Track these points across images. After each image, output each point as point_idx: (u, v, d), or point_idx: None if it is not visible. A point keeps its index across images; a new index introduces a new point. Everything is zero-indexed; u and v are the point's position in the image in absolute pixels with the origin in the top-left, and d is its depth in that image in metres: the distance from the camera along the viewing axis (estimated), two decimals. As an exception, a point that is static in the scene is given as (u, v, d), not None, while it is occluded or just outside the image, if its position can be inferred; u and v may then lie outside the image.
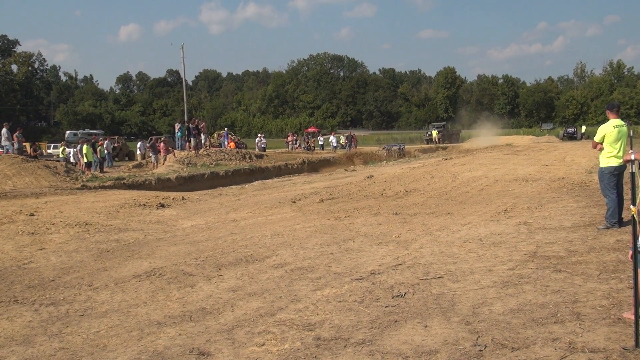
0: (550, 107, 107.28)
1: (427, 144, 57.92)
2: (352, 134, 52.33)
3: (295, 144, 50.36)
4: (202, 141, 34.83)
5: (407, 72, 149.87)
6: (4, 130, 25.68)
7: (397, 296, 5.11)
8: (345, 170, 27.90)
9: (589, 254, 6.23)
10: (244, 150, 38.90)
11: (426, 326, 4.35)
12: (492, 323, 4.32)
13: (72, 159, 30.03)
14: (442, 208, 10.62)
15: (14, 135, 26.13)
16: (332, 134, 52.82)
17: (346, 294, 5.30)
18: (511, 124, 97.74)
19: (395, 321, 4.50)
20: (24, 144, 28.50)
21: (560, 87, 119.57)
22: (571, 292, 4.96)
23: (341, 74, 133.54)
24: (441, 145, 53.99)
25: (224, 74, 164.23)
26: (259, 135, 50.03)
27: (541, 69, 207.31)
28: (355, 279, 5.78)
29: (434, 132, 58.64)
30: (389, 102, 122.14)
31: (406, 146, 52.21)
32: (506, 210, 9.68)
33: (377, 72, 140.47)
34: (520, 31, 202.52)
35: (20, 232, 9.98)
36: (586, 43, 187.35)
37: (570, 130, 61.15)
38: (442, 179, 15.73)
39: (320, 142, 50.92)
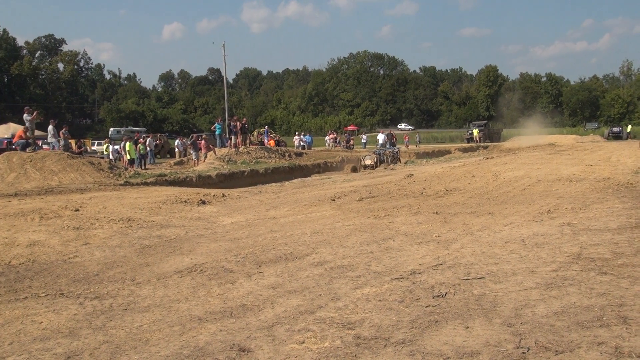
0: (594, 106, 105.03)
1: (468, 142, 57.35)
2: (392, 132, 52.04)
3: (336, 142, 50.29)
4: (242, 139, 35.03)
5: (448, 70, 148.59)
6: (50, 127, 26.18)
7: (438, 296, 5.07)
8: (385, 168, 27.78)
9: (635, 257, 6.08)
10: (283, 148, 39.10)
11: (467, 327, 4.30)
12: (535, 325, 4.25)
13: (110, 156, 30.52)
14: (483, 208, 10.49)
15: (60, 132, 26.68)
16: (381, 131, 52.44)
17: (386, 293, 5.28)
18: (554, 123, 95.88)
19: (436, 321, 4.46)
20: (69, 140, 29.09)
21: (606, 86, 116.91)
22: (617, 295, 4.84)
23: (381, 72, 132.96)
24: (482, 144, 53.39)
25: (264, 72, 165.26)
26: (297, 134, 50.00)
27: (586, 67, 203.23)
28: (395, 278, 5.75)
29: (475, 131, 58.07)
30: (429, 100, 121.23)
31: (419, 144, 51.64)
32: (549, 210, 9.51)
33: (418, 71, 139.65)
34: (565, 29, 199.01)
35: (66, 227, 10.19)
36: (633, 40, 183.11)
37: (615, 129, 59.83)
38: (483, 178, 15.54)
39: (363, 141, 50.61)
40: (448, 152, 45.33)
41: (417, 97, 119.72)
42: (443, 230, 8.27)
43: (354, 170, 28.94)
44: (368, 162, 31.21)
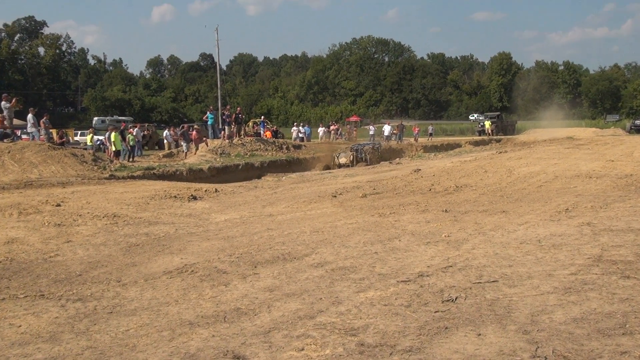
0: (616, 97, 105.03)
1: (480, 135, 57.35)
2: (402, 123, 51.96)
3: (337, 133, 50.22)
4: (236, 130, 35.00)
5: (458, 58, 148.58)
6: (29, 116, 26.13)
7: (448, 301, 5.06)
8: (390, 162, 27.78)
9: (661, 259, 6.07)
10: (280, 140, 39.09)
11: (479, 334, 4.29)
12: (552, 333, 4.24)
13: (92, 148, 30.52)
14: (496, 206, 10.48)
15: (41, 121, 26.67)
16: (387, 123, 52.37)
17: (392, 297, 5.27)
18: (572, 114, 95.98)
19: (446, 328, 4.45)
20: (50, 130, 29.07)
21: (628, 75, 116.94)
22: (641, 300, 4.83)
23: (386, 59, 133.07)
24: (495, 137, 53.38)
25: (261, 59, 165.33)
26: (295, 125, 49.89)
27: (607, 55, 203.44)
28: (401, 281, 5.74)
29: (487, 123, 58.08)
30: (437, 89, 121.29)
31: (430, 137, 51.26)
32: (567, 209, 9.50)
33: (425, 58, 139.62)
34: (585, 13, 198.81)
35: (47, 224, 10.18)
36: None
37: (638, 122, 59.70)
38: (496, 174, 15.53)
39: (370, 132, 50.57)
40: (458, 145, 45.31)
41: (424, 86, 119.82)
42: (453, 230, 8.26)
43: (327, 169, 27.59)
44: (342, 160, 29.47)
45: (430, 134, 56.81)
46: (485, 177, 15.11)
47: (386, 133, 47.24)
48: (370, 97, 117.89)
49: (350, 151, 30.02)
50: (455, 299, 5.08)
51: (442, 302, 5.05)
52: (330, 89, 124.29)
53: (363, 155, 29.70)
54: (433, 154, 35.57)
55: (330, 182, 17.72)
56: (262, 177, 23.62)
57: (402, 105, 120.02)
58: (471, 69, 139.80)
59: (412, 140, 49.92)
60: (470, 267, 6.14)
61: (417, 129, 53.89)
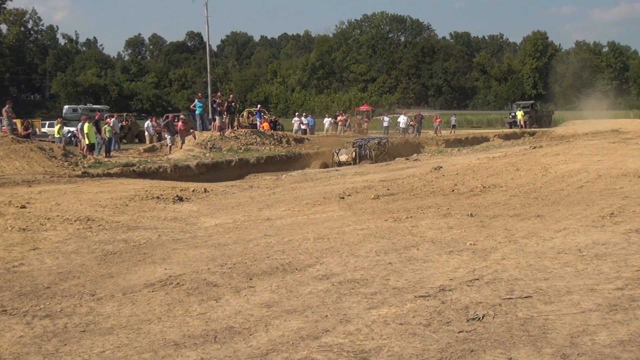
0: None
1: (511, 127, 57.29)
2: (420, 113, 51.88)
3: (346, 125, 50.15)
4: (229, 120, 34.99)
5: (486, 38, 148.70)
6: (-10, 104, 26.16)
7: (474, 319, 5.05)
8: (407, 159, 27.78)
9: None
10: (280, 133, 39.09)
11: (510, 358, 4.29)
12: (595, 357, 4.23)
13: (62, 141, 30.59)
14: (529, 209, 10.47)
15: (3, 110, 26.74)
16: (403, 113, 52.31)
17: (408, 314, 5.26)
18: (618, 104, 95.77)
19: (471, 351, 4.45)
20: (14, 120, 29.09)
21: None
22: (698, 320, 4.82)
23: (402, 39, 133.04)
24: (528, 129, 53.31)
25: (257, 38, 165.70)
26: (297, 115, 49.82)
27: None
28: (419, 296, 5.74)
29: (519, 114, 57.91)
30: (462, 74, 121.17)
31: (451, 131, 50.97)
32: (613, 213, 9.48)
33: (448, 38, 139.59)
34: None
35: (10, 228, 10.20)
36: None
37: (696, 113, 59.52)
38: (529, 172, 15.51)
39: (384, 124, 50.49)
40: (486, 139, 45.25)
41: (446, 70, 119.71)
42: (479, 237, 8.25)
43: (325, 167, 27.41)
44: (343, 157, 28.99)
45: (453, 126, 56.61)
46: (517, 176, 15.09)
47: (402, 125, 47.11)
48: (384, 83, 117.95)
49: (352, 147, 29.72)
50: (482, 318, 5.07)
51: (467, 320, 5.04)
52: (337, 73, 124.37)
53: (367, 151, 29.41)
54: (456, 149, 35.52)
55: (337, 182, 17.72)
56: (246, 177, 23.49)
57: (421, 92, 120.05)
58: (501, 51, 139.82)
59: (432, 133, 49.86)
60: (499, 281, 6.13)
61: (438, 120, 53.75)
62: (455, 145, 39.81)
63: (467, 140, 44.39)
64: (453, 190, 13.40)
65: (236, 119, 38.39)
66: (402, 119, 47.80)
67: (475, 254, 7.34)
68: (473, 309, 5.29)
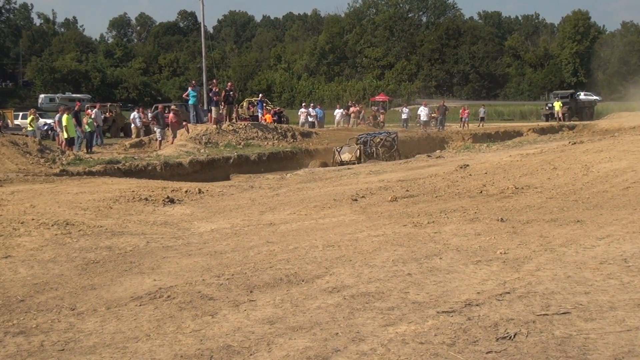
0: None
1: (547, 120, 57.22)
2: (444, 104, 51.74)
3: (359, 117, 50.08)
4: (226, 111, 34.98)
5: (519, 18, 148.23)
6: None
7: (504, 338, 5.05)
8: (428, 156, 27.76)
9: None
10: (285, 126, 39.06)
11: (546, 382, 4.30)
12: (642, 381, 4.24)
13: (38, 134, 30.69)
14: (568, 214, 10.46)
15: (-29, 99, 26.82)
16: (424, 104, 52.22)
17: (430, 332, 5.27)
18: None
19: (501, 374, 4.46)
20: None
21: None
22: None
23: (424, 19, 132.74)
24: (567, 122, 53.18)
25: (258, 18, 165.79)
26: (304, 105, 49.74)
27: None
28: (443, 312, 5.74)
29: (557, 105, 57.73)
30: (491, 60, 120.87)
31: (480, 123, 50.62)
32: (663, 218, 9.48)
33: (476, 18, 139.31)
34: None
35: (-22, 233, 10.25)
36: None
37: None
38: (568, 171, 15.48)
39: (403, 116, 50.38)
40: (519, 133, 45.17)
41: (474, 55, 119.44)
42: (511, 245, 8.25)
43: (324, 166, 26.94)
44: (346, 156, 28.69)
45: (482, 119, 56.45)
46: (554, 175, 15.07)
47: (423, 117, 47.02)
48: (403, 69, 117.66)
49: (356, 144, 29.37)
50: (514, 336, 5.08)
51: (497, 339, 5.05)
52: (349, 58, 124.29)
53: (373, 149, 29.20)
54: (485, 144, 35.48)
55: (349, 182, 17.73)
56: (232, 176, 23.36)
57: (445, 80, 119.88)
58: (536, 33, 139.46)
59: (457, 126, 49.76)
60: (533, 294, 6.13)
61: (466, 111, 53.57)
62: (484, 141, 39.77)
63: (497, 135, 44.34)
64: (481, 192, 13.39)
65: (235, 110, 38.36)
66: (423, 111, 47.69)
67: (506, 264, 7.34)
68: (503, 327, 5.30)
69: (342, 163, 27.70)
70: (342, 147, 29.69)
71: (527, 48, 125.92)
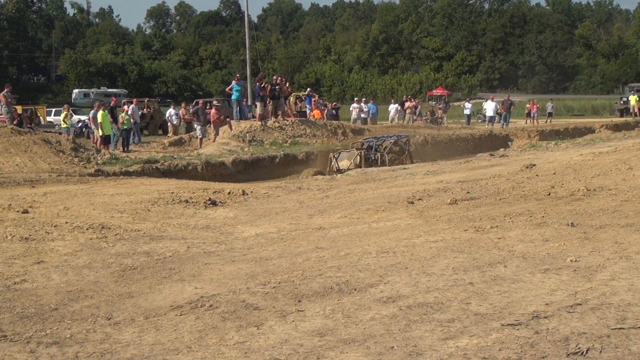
0: None
1: (622, 116, 56.57)
2: (509, 98, 51.34)
3: (416, 113, 49.91)
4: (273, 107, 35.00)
5: (591, 4, 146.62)
6: (-15, 87, 26.45)
7: (576, 353, 5.00)
8: (491, 155, 27.57)
9: None
10: (335, 123, 38.99)
11: (621, 403, 4.25)
12: None
13: (72, 132, 31.02)
14: (646, 218, 10.32)
15: (1, 94, 27.07)
16: (491, 98, 51.87)
17: (494, 347, 5.24)
18: None
19: (573, 393, 4.42)
20: (14, 107, 29.51)
21: None
22: None
23: (486, 6, 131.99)
24: (644, 118, 52.50)
25: (306, 6, 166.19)
26: (355, 100, 49.64)
27: None
28: (508, 325, 5.70)
29: (633, 99, 56.98)
30: (560, 50, 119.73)
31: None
32: None
33: (543, 4, 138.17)
34: None
35: (10, 237, 10.39)
36: None
37: None
38: (646, 171, 15.29)
39: (466, 111, 50.10)
40: (590, 130, 44.69)
41: (541, 44, 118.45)
42: (583, 252, 8.17)
43: (320, 175, 25.60)
44: (344, 163, 27.32)
45: (550, 114, 55.86)
46: (630, 176, 14.88)
47: (489, 112, 46.69)
48: (463, 60, 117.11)
49: (358, 150, 27.95)
50: (587, 352, 5.03)
51: (567, 355, 5.00)
52: (405, 49, 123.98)
53: (379, 154, 27.82)
54: (553, 142, 35.11)
55: (404, 183, 17.68)
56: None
57: (509, 72, 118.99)
58: (610, 21, 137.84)
59: (523, 122, 49.36)
60: (608, 306, 6.06)
61: (535, 106, 53.03)
62: (552, 138, 39.37)
63: (566, 132, 43.90)
64: (549, 194, 13.27)
65: (287, 105, 37.96)
66: (489, 105, 47.35)
67: (578, 272, 7.27)
68: (575, 341, 5.25)
69: (339, 171, 26.37)
70: (339, 153, 28.44)
71: (599, 37, 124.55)
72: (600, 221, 10.22)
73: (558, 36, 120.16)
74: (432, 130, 41.49)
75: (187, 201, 14.28)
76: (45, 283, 8.07)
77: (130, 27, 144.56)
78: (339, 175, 24.02)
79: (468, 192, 14.14)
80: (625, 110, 57.42)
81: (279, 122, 33.96)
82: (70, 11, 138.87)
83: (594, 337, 5.31)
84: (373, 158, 27.46)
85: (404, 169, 23.33)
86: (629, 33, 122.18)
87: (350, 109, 48.50)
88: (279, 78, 37.67)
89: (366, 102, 49.34)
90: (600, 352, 5.02)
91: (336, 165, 27.04)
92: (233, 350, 5.50)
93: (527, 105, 54.89)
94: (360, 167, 26.13)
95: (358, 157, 27.04)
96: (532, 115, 51.63)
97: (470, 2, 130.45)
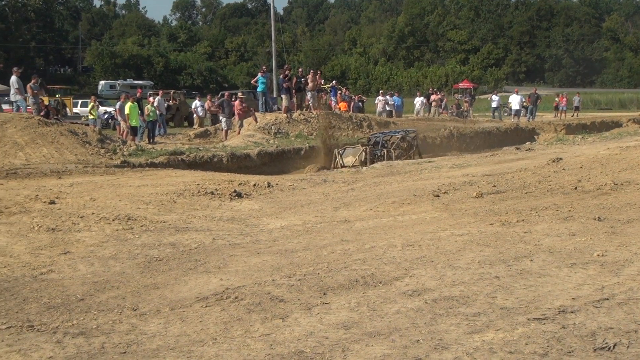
0: None
1: (649, 110, 56.11)
2: (536, 91, 51.04)
3: (441, 106, 49.73)
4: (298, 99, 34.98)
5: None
6: (13, 78, 26.70)
7: (602, 349, 4.97)
8: (517, 148, 27.45)
9: None
10: (360, 115, 38.91)
11: (649, 398, 4.22)
12: None
13: (98, 123, 31.15)
14: (674, 212, 10.25)
15: (28, 85, 27.10)
16: (516, 91, 51.63)
17: (520, 341, 5.21)
18: None
19: (600, 388, 4.39)
20: (41, 98, 29.57)
21: None
22: None
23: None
24: (672, 113, 52.15)
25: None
26: (381, 93, 49.50)
27: None
28: (534, 319, 5.67)
29: (661, 93, 56.69)
30: (587, 43, 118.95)
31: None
32: None
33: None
34: None
35: (36, 228, 10.45)
36: None
37: None
38: (674, 166, 15.19)
39: (493, 105, 49.97)
40: (617, 124, 44.41)
41: (568, 38, 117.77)
42: (610, 247, 8.11)
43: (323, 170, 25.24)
44: (348, 159, 26.87)
45: (577, 108, 55.50)
46: (658, 170, 14.79)
47: (515, 106, 46.49)
48: (489, 53, 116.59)
49: (363, 146, 27.33)
50: (614, 347, 4.99)
51: (594, 350, 4.97)
52: (431, 42, 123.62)
53: (385, 150, 27.16)
54: (580, 136, 34.92)
55: (430, 176, 17.63)
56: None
57: (535, 65, 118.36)
58: (637, 14, 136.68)
59: (551, 116, 49.12)
60: (635, 301, 6.02)
61: (564, 99, 52.69)
62: (579, 132, 39.23)
63: (593, 126, 43.69)
64: (576, 188, 13.20)
65: (318, 98, 37.69)
66: (515, 99, 47.14)
67: (605, 267, 7.22)
68: (602, 336, 5.21)
69: (343, 166, 25.95)
70: (344, 149, 27.86)
71: (627, 30, 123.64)
72: (628, 215, 10.16)
73: (585, 29, 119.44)
74: (457, 123, 41.39)
75: (212, 193, 14.31)
76: (71, 274, 8.12)
77: (156, 19, 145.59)
78: (364, 168, 23.70)
79: (494, 186, 14.09)
80: (653, 104, 57.06)
81: (304, 115, 33.94)
82: (97, 3, 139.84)
83: (621, 332, 5.28)
84: (379, 154, 26.91)
85: (430, 162, 23.29)
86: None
87: (376, 101, 48.41)
88: (312, 72, 37.57)
89: (391, 95, 49.23)
90: (628, 347, 4.99)
91: (341, 162, 26.68)
92: (258, 342, 5.50)
93: (556, 99, 54.57)
94: (366, 163, 25.70)
95: (363, 153, 26.65)
96: (560, 108, 51.34)
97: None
